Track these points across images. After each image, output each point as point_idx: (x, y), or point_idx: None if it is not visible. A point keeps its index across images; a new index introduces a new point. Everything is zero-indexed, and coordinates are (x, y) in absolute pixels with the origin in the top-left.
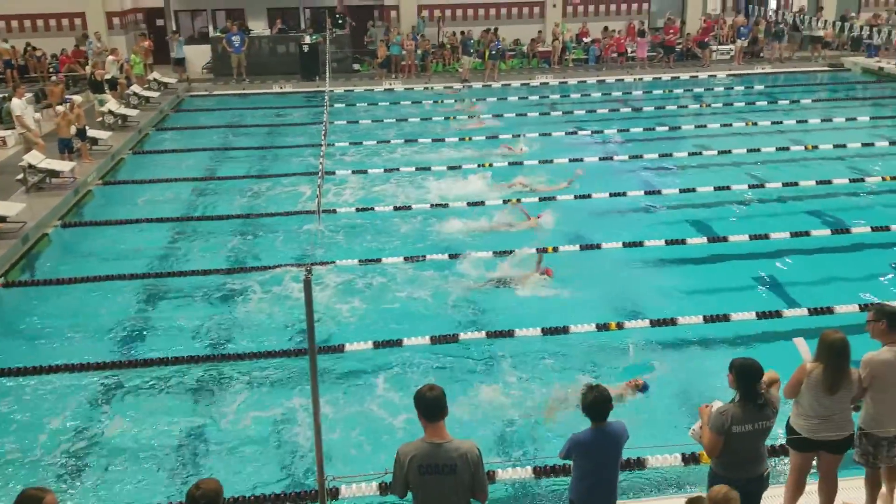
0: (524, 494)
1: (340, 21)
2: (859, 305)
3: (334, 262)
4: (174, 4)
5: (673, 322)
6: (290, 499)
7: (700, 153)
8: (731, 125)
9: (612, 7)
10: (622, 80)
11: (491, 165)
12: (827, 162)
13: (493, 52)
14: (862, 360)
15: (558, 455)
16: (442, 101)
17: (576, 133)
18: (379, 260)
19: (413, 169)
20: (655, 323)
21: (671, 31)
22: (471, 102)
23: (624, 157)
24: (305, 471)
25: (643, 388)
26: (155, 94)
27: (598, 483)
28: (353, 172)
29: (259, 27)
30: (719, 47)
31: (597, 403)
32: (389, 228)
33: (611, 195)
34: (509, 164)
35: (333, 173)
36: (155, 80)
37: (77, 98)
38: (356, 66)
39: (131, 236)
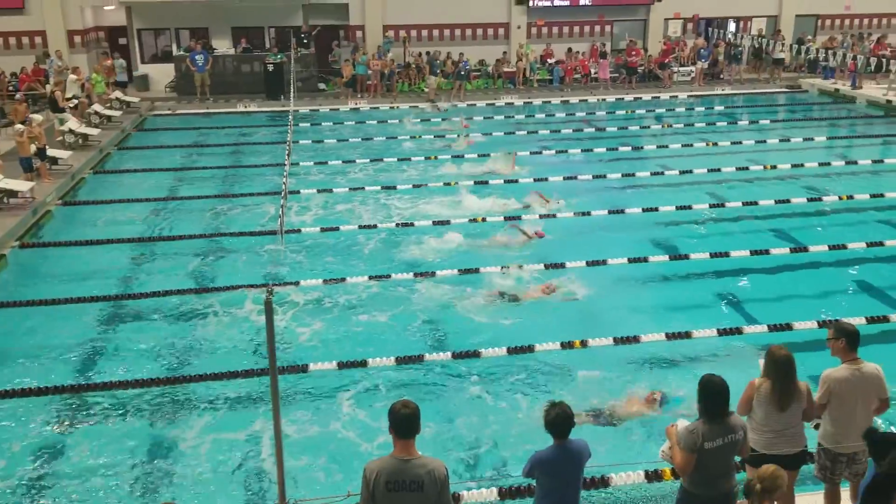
0: None
1: (305, 41)
2: (817, 322)
3: (298, 282)
4: (137, 23)
5: (636, 340)
6: None
7: (662, 173)
8: (692, 145)
9: (576, 29)
10: (585, 100)
11: (457, 184)
12: (785, 181)
13: (461, 73)
14: (821, 377)
15: (522, 473)
16: (430, 120)
17: (541, 153)
18: (343, 279)
19: (378, 188)
20: (619, 341)
21: (633, 52)
22: (462, 120)
23: (588, 177)
24: (268, 493)
25: (662, 402)
26: (117, 113)
27: (561, 501)
28: (318, 191)
29: (223, 46)
30: (680, 69)
31: (559, 420)
32: (354, 247)
33: (574, 214)
34: (475, 182)
35: (298, 192)
36: (117, 98)
37: (37, 117)
38: (321, 86)
39: (91, 257)
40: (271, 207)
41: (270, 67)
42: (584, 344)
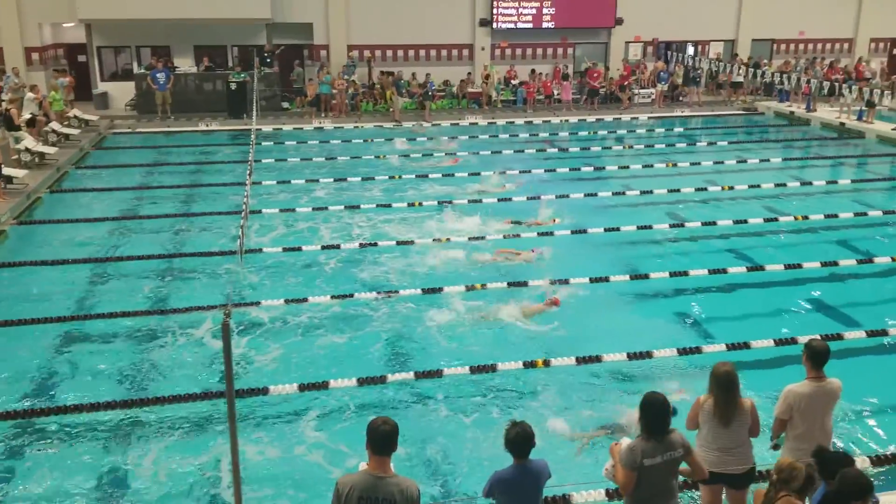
0: None
1: (269, 60)
2: (774, 340)
3: (259, 303)
4: (97, 41)
5: (598, 359)
6: None
7: (623, 193)
8: (652, 166)
9: (539, 51)
10: (549, 121)
11: (421, 204)
12: (742, 202)
13: (428, 93)
14: (782, 392)
15: (482, 493)
16: (415, 139)
17: (504, 173)
18: (305, 299)
19: (342, 208)
20: (581, 360)
21: (594, 74)
22: (447, 140)
23: (550, 197)
24: None
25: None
26: (75, 132)
27: None
28: (281, 211)
29: (186, 64)
30: (641, 91)
31: (519, 439)
32: (316, 267)
33: (538, 234)
34: (438, 202)
35: (260, 212)
36: (75, 116)
37: None
38: (285, 105)
39: (47, 278)
40: (232, 227)
41: (233, 86)
42: (546, 363)
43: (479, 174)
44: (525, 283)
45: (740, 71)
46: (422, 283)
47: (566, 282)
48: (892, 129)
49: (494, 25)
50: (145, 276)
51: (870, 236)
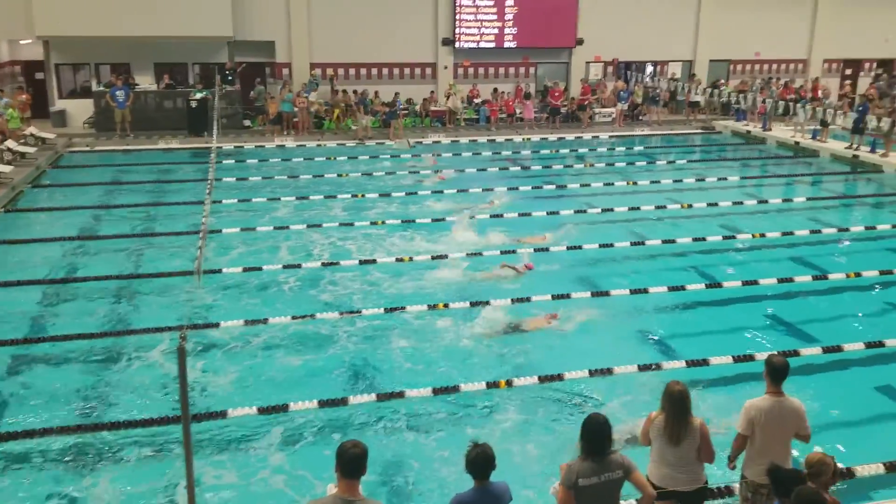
0: None
1: (230, 77)
2: (732, 357)
3: (218, 324)
4: (55, 58)
5: (560, 378)
6: None
7: (585, 211)
8: (613, 184)
9: (501, 70)
10: (511, 139)
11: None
12: (701, 219)
13: (395, 112)
14: (743, 407)
15: None
16: (401, 156)
17: (467, 191)
18: (265, 320)
19: (304, 226)
20: (544, 379)
21: (556, 93)
22: (432, 157)
23: (513, 215)
24: None
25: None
26: (31, 150)
27: None
28: (241, 230)
29: (146, 82)
30: (602, 110)
31: (479, 460)
32: (276, 288)
33: (501, 252)
34: (402, 221)
35: (220, 231)
36: (32, 134)
37: None
38: (247, 123)
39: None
40: (191, 247)
41: (194, 104)
42: (509, 384)
43: (443, 192)
44: (487, 303)
45: (698, 90)
46: (386, 302)
47: (528, 300)
48: (846, 148)
49: (457, 44)
50: (100, 297)
51: (825, 253)
